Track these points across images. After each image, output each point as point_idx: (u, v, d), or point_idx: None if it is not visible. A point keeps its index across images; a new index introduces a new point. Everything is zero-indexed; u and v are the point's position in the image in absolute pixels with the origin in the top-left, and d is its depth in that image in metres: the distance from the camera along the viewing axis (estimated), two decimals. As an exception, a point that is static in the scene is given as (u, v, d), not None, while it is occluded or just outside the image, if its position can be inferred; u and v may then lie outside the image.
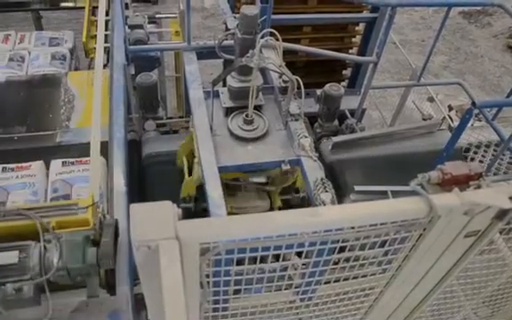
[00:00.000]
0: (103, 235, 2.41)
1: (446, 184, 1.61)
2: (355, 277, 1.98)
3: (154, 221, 1.25)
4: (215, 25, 10.32)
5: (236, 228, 1.33)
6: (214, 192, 3.17)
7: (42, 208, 2.52)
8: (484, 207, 1.50)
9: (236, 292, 1.88)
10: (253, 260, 1.72)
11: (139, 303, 2.82)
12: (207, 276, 1.58)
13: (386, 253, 1.83)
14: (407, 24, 11.48)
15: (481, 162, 4.74)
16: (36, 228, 2.35)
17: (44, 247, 2.31)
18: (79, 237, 2.38)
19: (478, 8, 12.03)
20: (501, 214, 1.57)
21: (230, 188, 3.75)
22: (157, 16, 6.10)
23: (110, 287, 2.62)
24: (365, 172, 4.43)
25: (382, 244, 1.76)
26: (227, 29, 4.79)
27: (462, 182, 1.62)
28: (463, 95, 6.91)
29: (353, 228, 1.47)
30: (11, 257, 2.26)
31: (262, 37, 3.31)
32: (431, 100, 7.33)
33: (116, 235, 2.53)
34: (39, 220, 2.37)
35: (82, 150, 3.42)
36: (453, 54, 11.06)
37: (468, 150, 4.87)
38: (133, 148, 4.35)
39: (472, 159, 4.86)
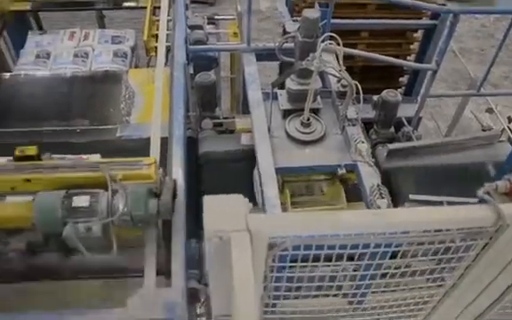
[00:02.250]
0: (163, 191, 2.67)
1: (514, 194, 1.59)
2: (413, 285, 1.97)
3: (226, 213, 1.29)
4: (271, 27, 10.36)
5: (305, 224, 1.35)
6: (270, 192, 3.21)
7: (111, 162, 2.79)
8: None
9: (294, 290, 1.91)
10: (314, 262, 1.75)
11: (190, 297, 2.92)
12: (271, 270, 1.61)
13: (448, 261, 1.81)
14: (467, 32, 11.19)
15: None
16: (106, 179, 2.60)
17: (112, 195, 2.58)
18: (143, 189, 2.64)
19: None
20: None
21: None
22: (216, 17, 6.20)
23: (167, 240, 2.85)
24: (421, 181, 4.36)
25: (445, 252, 1.75)
26: (284, 32, 4.82)
27: (532, 193, 1.59)
28: (524, 107, 6.70)
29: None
30: (83, 201, 2.56)
31: (323, 41, 3.32)
32: (490, 111, 7.13)
33: (175, 194, 2.79)
34: (108, 172, 2.63)
35: (141, 145, 3.51)
36: (515, 65, 10.72)
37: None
38: (190, 145, 4.44)
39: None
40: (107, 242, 2.61)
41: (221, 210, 1.31)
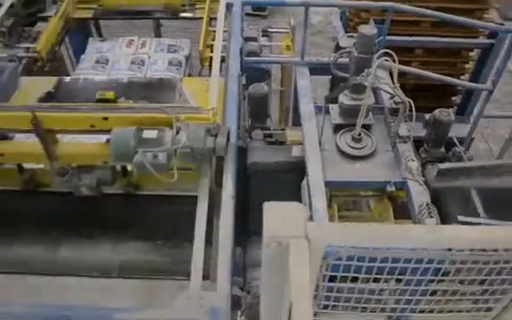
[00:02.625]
0: (219, 133, 3.10)
1: None
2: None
3: (285, 220, 1.34)
4: (322, 42, 10.38)
5: (362, 235, 1.38)
6: (319, 204, 3.24)
7: (176, 106, 3.39)
8: None
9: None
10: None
11: (232, 304, 2.97)
12: (323, 279, 1.65)
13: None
14: (523, 53, 10.90)
15: None
16: (172, 120, 3.09)
17: (176, 131, 3.06)
18: (202, 127, 3.09)
19: None
20: None
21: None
22: (270, 30, 6.29)
23: (219, 184, 3.22)
24: (471, 202, 4.29)
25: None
26: (337, 47, 4.85)
27: None
28: None
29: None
30: (152, 133, 3.07)
31: (378, 58, 3.34)
32: (548, 135, 6.92)
33: (228, 138, 3.18)
34: (174, 114, 3.12)
35: None
36: None
37: None
38: (239, 155, 4.50)
39: None
40: (169, 170, 3.05)
41: (281, 216, 1.35)
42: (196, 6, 5.55)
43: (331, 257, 1.47)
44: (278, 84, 7.03)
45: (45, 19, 5.08)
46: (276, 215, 1.37)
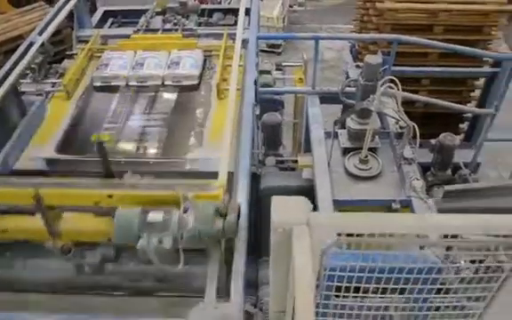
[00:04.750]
0: (229, 211, 2.90)
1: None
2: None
3: (290, 210, 1.57)
4: (334, 76, 10.66)
5: (359, 223, 1.60)
6: (328, 222, 3.43)
7: (184, 184, 3.15)
8: None
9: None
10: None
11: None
12: (324, 269, 1.85)
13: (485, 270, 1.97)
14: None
15: None
16: (178, 198, 2.92)
17: (183, 212, 2.87)
18: (211, 207, 2.89)
19: None
20: None
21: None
22: (283, 64, 6.58)
23: (228, 264, 3.04)
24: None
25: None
26: (347, 77, 5.11)
27: None
28: None
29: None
30: (157, 216, 2.89)
31: (382, 84, 3.58)
32: (556, 160, 7.05)
33: (239, 216, 3.00)
34: (181, 192, 2.94)
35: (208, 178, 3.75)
36: None
37: None
38: (252, 180, 4.70)
39: None
40: (175, 255, 2.86)
41: (286, 207, 1.58)
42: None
43: (331, 245, 1.67)
44: (291, 117, 7.28)
45: (71, 56, 5.41)
46: (283, 206, 1.60)
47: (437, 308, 2.28)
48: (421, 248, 2.09)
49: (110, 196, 3.09)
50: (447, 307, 2.18)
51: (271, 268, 1.72)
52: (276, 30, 11.71)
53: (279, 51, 11.71)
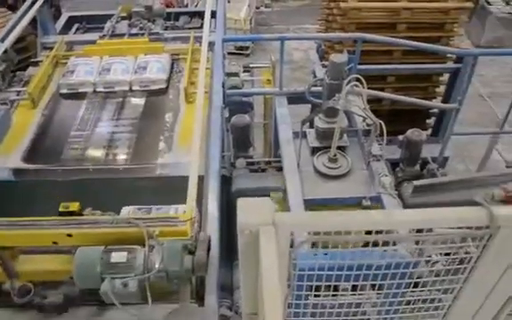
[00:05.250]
0: (198, 246, 2.76)
1: (510, 201, 1.81)
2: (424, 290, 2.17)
3: (256, 211, 1.57)
4: (303, 77, 10.72)
5: (325, 221, 1.61)
6: (299, 222, 3.45)
7: (148, 219, 2.98)
8: (544, 220, 1.69)
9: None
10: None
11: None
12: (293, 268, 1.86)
13: (453, 262, 2.01)
14: (497, 77, 11.33)
15: None
16: (143, 234, 2.75)
17: (149, 251, 2.72)
18: (178, 245, 2.76)
19: None
20: None
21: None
22: (251, 65, 6.58)
23: (200, 298, 2.95)
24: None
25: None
26: (315, 77, 5.15)
27: (525, 201, 1.81)
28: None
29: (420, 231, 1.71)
30: (120, 257, 2.71)
31: (348, 83, 3.62)
32: (520, 150, 7.25)
33: (209, 249, 2.87)
34: (145, 228, 2.78)
35: (179, 182, 3.59)
36: (547, 107, 10.76)
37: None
38: (224, 183, 4.71)
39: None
40: (142, 296, 2.72)
41: (252, 208, 1.58)
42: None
43: (297, 244, 1.68)
44: (261, 118, 7.30)
45: (36, 64, 5.32)
46: (248, 207, 1.60)
47: (409, 302, 2.32)
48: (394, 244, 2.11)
49: (70, 235, 2.91)
50: (418, 300, 2.21)
51: (241, 271, 1.72)
52: (243, 32, 11.74)
53: (247, 52, 11.75)
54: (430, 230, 1.82)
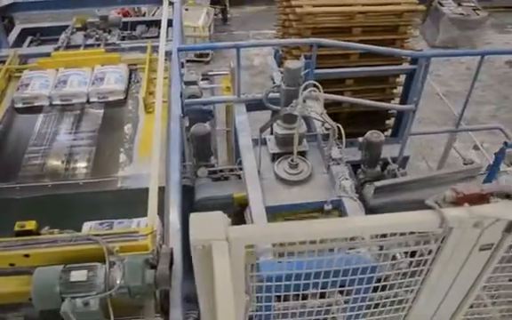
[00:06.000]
0: (160, 260, 2.75)
1: (460, 203, 1.84)
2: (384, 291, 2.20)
3: (208, 226, 1.55)
4: (263, 82, 10.76)
5: (277, 233, 1.61)
6: (261, 229, 3.44)
7: (108, 235, 2.93)
8: (493, 220, 1.73)
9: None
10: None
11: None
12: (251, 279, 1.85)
13: (410, 264, 2.04)
14: (452, 76, 11.62)
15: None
16: (103, 251, 2.71)
17: (109, 268, 2.67)
18: (139, 260, 2.72)
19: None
20: (510, 227, 1.78)
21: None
22: (210, 73, 6.58)
23: (165, 312, 2.92)
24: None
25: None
26: (274, 83, 5.16)
27: (475, 201, 1.85)
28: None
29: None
30: (80, 275, 2.64)
31: (305, 89, 3.64)
32: (476, 148, 7.42)
33: (171, 262, 2.84)
34: (105, 244, 2.74)
35: (140, 195, 3.59)
36: (501, 103, 11.07)
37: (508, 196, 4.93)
38: (187, 193, 4.67)
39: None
40: (104, 315, 2.67)
41: (205, 223, 1.57)
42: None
43: (251, 256, 1.68)
44: (224, 125, 7.28)
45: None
46: (201, 222, 1.58)
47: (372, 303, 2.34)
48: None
49: (27, 256, 2.82)
50: (380, 299, 2.23)
51: (197, 286, 1.70)
52: (202, 39, 11.72)
53: (208, 59, 11.72)
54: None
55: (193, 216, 1.57)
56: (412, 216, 1.72)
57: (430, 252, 1.91)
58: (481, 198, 1.86)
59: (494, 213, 1.68)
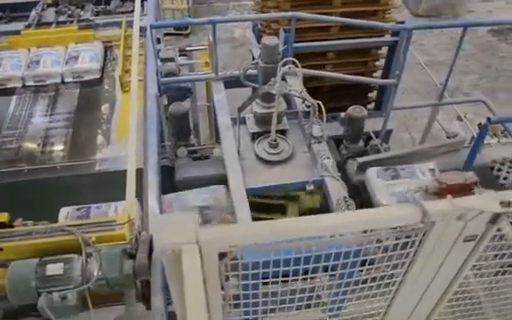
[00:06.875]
0: (139, 249, 2.64)
1: (443, 193, 1.77)
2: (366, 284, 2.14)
3: (178, 229, 1.46)
4: (244, 54, 10.59)
5: (250, 233, 1.52)
6: (242, 213, 3.37)
7: (83, 224, 2.83)
8: (477, 212, 1.66)
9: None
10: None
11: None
12: (226, 279, 1.76)
13: (391, 258, 1.97)
14: (435, 45, 11.53)
15: (505, 178, 4.77)
16: (79, 242, 2.62)
17: (86, 259, 2.58)
18: (117, 250, 2.64)
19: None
20: (495, 218, 1.72)
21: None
22: (188, 48, 6.40)
23: (146, 300, 2.84)
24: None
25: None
26: (253, 58, 5.03)
27: (458, 191, 1.77)
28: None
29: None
30: (57, 268, 2.56)
31: (284, 65, 3.52)
32: (460, 119, 7.37)
33: (151, 250, 2.73)
34: (81, 235, 2.64)
35: (119, 177, 3.57)
36: (484, 72, 11.02)
37: (492, 168, 4.92)
38: (167, 173, 4.58)
39: (497, 177, 4.90)
40: (82, 308, 2.59)
41: (174, 226, 1.47)
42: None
43: (225, 258, 1.58)
44: (204, 101, 7.14)
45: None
46: (170, 225, 1.48)
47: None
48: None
49: (0, 250, 2.72)
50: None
51: (170, 289, 1.61)
52: (180, 12, 11.45)
53: (187, 32, 11.45)
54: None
55: (162, 218, 1.48)
56: (393, 211, 1.64)
57: (413, 245, 1.84)
58: (464, 188, 1.79)
59: (478, 206, 1.61)
